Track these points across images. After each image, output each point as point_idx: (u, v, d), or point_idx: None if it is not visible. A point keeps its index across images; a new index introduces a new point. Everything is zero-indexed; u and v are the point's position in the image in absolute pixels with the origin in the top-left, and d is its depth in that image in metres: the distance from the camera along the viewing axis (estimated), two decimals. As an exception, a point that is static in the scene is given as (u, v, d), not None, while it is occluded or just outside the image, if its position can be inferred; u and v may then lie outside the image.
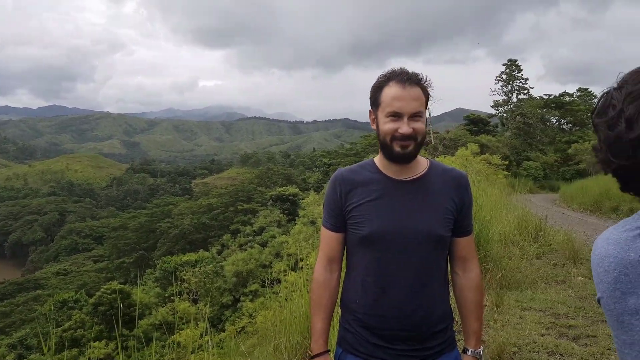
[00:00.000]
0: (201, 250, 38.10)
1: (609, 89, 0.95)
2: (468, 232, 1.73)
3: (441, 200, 1.64)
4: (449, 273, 1.78)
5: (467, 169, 13.22)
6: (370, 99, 1.65)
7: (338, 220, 1.70)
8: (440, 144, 35.17)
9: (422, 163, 1.70)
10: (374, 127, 1.66)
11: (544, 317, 4.56)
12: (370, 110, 1.67)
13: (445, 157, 18.19)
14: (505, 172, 17.96)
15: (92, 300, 26.09)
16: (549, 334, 4.10)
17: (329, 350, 1.72)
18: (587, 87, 51.63)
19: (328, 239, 1.73)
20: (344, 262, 1.82)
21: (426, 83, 1.61)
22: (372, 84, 1.66)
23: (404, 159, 1.60)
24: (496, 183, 12.78)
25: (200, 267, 28.24)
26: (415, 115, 1.56)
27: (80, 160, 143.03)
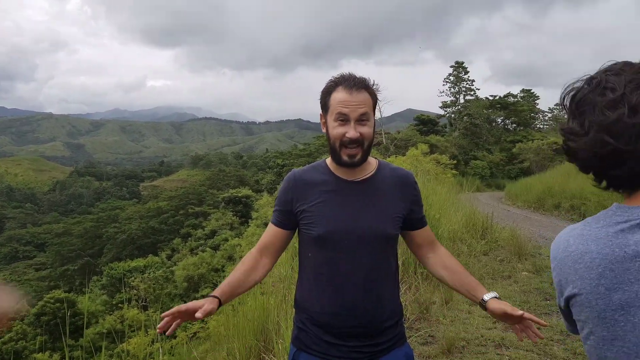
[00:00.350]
0: (150, 255, 37.03)
1: (592, 75, 0.96)
2: (424, 223, 1.82)
3: (390, 200, 1.70)
4: (427, 261, 1.83)
5: (417, 168, 13.52)
6: (320, 103, 1.69)
7: (285, 218, 1.75)
8: (391, 144, 35.82)
9: (372, 163, 1.74)
10: (324, 130, 1.69)
11: (491, 312, 4.72)
12: (320, 114, 1.71)
13: (396, 157, 18.54)
14: (454, 172, 18.51)
15: (34, 310, 24.81)
16: (495, 328, 4.25)
17: (220, 304, 1.61)
18: (529, 88, 54.06)
19: (269, 230, 1.79)
20: (297, 264, 1.84)
21: (374, 87, 1.65)
22: (323, 87, 1.69)
23: (352, 166, 1.65)
24: (445, 182, 13.14)
25: (150, 273, 27.44)
26: (362, 119, 1.60)
27: (20, 163, 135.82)
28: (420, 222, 1.79)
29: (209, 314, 1.53)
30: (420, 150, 17.88)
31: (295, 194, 1.71)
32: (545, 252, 8.47)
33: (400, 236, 1.81)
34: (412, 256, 5.42)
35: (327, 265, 1.65)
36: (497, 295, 1.63)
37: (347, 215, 1.64)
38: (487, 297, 1.63)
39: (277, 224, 1.76)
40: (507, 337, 4.02)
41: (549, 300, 5.26)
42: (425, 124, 46.22)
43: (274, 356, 3.33)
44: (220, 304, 1.59)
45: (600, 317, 0.86)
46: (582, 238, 0.90)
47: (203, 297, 1.64)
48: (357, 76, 1.63)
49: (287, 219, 1.74)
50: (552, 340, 3.99)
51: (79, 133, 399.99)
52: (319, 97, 1.69)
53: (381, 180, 1.71)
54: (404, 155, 18.98)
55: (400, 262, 5.06)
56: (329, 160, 1.75)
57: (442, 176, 15.31)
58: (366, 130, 1.60)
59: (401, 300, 4.45)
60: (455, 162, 21.19)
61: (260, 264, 1.75)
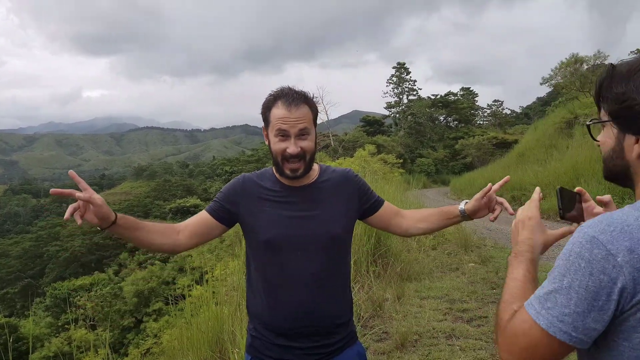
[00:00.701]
0: (96, 272, 35.49)
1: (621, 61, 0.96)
2: (382, 202, 1.88)
3: (336, 201, 1.75)
4: (403, 230, 1.90)
5: (365, 169, 13.74)
6: (262, 116, 1.72)
7: (222, 211, 1.74)
8: (339, 146, 36.21)
9: (314, 169, 1.78)
10: (267, 143, 1.72)
11: (441, 304, 4.88)
12: (263, 127, 1.74)
13: (345, 158, 18.76)
14: (401, 170, 18.96)
15: (-31, 339, 23.15)
16: (446, 319, 4.40)
17: (116, 217, 1.52)
18: (468, 86, 56.21)
19: (199, 215, 1.76)
20: (246, 273, 1.85)
21: (314, 99, 1.70)
22: (263, 101, 1.71)
23: (295, 179, 1.69)
24: (393, 181, 13.41)
25: (97, 291, 26.30)
26: (302, 134, 1.64)
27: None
28: (376, 205, 1.85)
29: (89, 200, 1.42)
30: (367, 151, 18.19)
31: (242, 197, 1.73)
32: (489, 244, 8.85)
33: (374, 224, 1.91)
34: (364, 255, 5.53)
35: (276, 269, 1.68)
36: (467, 200, 1.77)
37: (295, 219, 1.68)
38: (461, 207, 1.77)
39: (211, 212, 1.74)
40: (457, 328, 4.18)
41: (495, 289, 5.50)
42: (371, 124, 47.08)
43: (230, 366, 3.31)
44: (114, 221, 1.51)
45: None
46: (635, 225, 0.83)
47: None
48: (297, 90, 1.66)
49: (223, 213, 1.74)
50: (499, 327, 4.18)
51: (12, 149, 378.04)
52: (261, 110, 1.71)
53: (324, 184, 1.77)
54: (351, 156, 19.24)
55: (352, 262, 5.16)
56: (274, 168, 1.79)
57: (389, 175, 15.63)
58: (307, 144, 1.64)
59: (355, 299, 4.52)
60: (401, 160, 21.71)
61: (174, 232, 1.69)
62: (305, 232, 1.67)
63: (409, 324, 4.22)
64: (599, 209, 1.18)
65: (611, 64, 0.99)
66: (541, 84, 21.62)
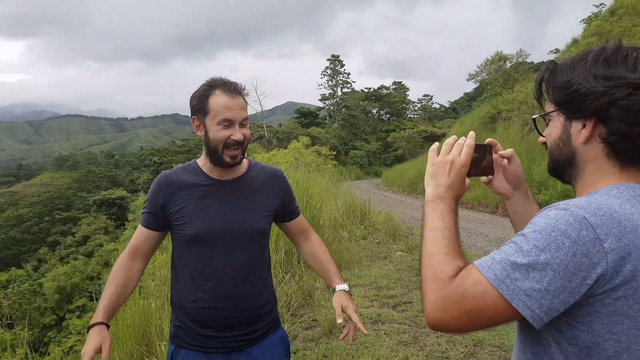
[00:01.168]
0: (13, 268, 33.16)
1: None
2: (297, 214, 1.95)
3: (261, 196, 1.80)
4: (300, 246, 1.98)
5: (299, 160, 13.81)
6: (194, 106, 1.69)
7: (155, 220, 1.75)
8: (274, 137, 36.06)
9: (243, 163, 1.80)
10: (199, 133, 1.71)
11: (369, 291, 5.06)
12: (194, 117, 1.71)
13: (279, 150, 18.72)
14: (334, 162, 19.22)
15: None
16: (373, 306, 4.57)
17: (109, 326, 1.66)
18: (400, 80, 57.87)
19: (139, 233, 1.79)
20: (170, 265, 1.86)
21: (244, 92, 1.71)
22: (195, 91, 1.69)
23: (234, 166, 1.71)
24: (326, 172, 13.60)
25: (14, 287, 24.62)
26: (244, 123, 1.68)
27: None
28: (293, 214, 1.92)
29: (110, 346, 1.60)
30: (301, 143, 18.28)
31: (166, 196, 1.72)
32: (416, 232, 9.22)
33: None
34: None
35: (202, 262, 1.70)
36: (346, 289, 1.84)
37: (221, 213, 1.70)
38: (337, 287, 1.84)
39: (147, 225, 1.76)
40: (382, 313, 4.35)
41: (419, 276, 5.75)
42: (306, 116, 47.28)
43: (156, 359, 3.25)
44: (108, 327, 1.65)
45: None
46: (628, 214, 0.84)
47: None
48: (231, 81, 1.69)
49: (157, 221, 1.75)
50: (422, 312, 4.40)
51: None
52: (191, 101, 1.70)
53: (252, 179, 1.80)
54: (286, 147, 19.24)
55: (283, 252, 5.20)
56: (200, 161, 1.79)
57: (323, 167, 15.83)
58: (247, 132, 1.69)
59: (285, 288, 4.57)
60: (335, 152, 22.00)
61: (133, 270, 1.76)
62: (232, 226, 1.70)
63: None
64: (506, 161, 1.18)
65: (552, 60, 1.02)
66: (468, 80, 22.61)
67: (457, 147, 1.04)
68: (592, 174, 0.94)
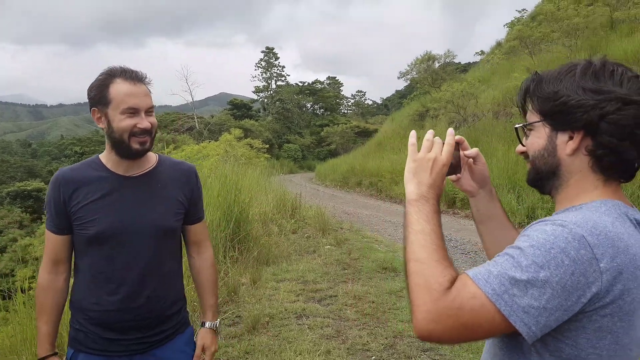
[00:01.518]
0: None
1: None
2: (199, 219, 1.85)
3: (171, 193, 1.71)
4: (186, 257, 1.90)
5: (229, 153, 13.58)
6: (92, 97, 1.59)
7: (62, 222, 1.63)
8: (205, 129, 35.21)
9: (151, 158, 1.72)
10: (101, 125, 1.60)
11: (296, 286, 5.07)
12: (94, 109, 1.60)
13: (210, 142, 18.31)
14: (267, 155, 19.08)
15: None
16: (298, 300, 4.59)
17: (57, 353, 1.67)
18: (335, 76, 58.45)
19: (53, 242, 1.66)
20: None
21: (146, 80, 1.63)
22: (93, 82, 1.60)
23: (141, 154, 1.62)
24: (258, 166, 13.48)
25: None
26: (150, 110, 1.60)
27: None
28: (196, 218, 1.82)
29: None
30: (233, 135, 17.97)
31: (65, 195, 1.60)
32: (346, 227, 9.39)
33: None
34: (222, 241, 5.48)
35: (105, 262, 1.61)
36: (216, 327, 1.83)
37: (125, 211, 1.61)
38: (206, 324, 1.83)
39: (57, 231, 1.65)
40: (307, 307, 4.38)
41: (346, 269, 5.86)
42: (239, 108, 46.56)
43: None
44: (57, 353, 1.67)
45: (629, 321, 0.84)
46: (630, 235, 0.85)
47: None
48: (132, 69, 1.60)
49: (63, 223, 1.63)
50: (346, 305, 4.48)
51: None
52: (90, 92, 1.60)
53: (161, 174, 1.71)
54: (217, 140, 18.85)
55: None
56: (103, 156, 1.68)
57: (255, 160, 15.66)
58: (154, 120, 1.61)
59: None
60: (267, 146, 21.84)
61: (59, 285, 1.68)
62: (137, 224, 1.61)
63: (262, 306, 4.32)
64: (471, 160, 1.18)
65: (535, 71, 1.03)
66: (399, 77, 23.18)
67: (438, 145, 1.03)
68: (576, 187, 0.94)
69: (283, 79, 49.53)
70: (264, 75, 48.85)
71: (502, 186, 10.40)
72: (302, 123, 48.08)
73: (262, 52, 49.45)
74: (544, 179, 0.99)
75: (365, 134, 38.33)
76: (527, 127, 1.00)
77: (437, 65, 21.90)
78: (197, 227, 1.84)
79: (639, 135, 0.87)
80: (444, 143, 1.04)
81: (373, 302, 4.58)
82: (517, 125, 1.04)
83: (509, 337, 0.89)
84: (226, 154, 13.09)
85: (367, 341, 3.66)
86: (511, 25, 22.28)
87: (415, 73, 22.14)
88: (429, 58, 21.59)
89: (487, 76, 18.69)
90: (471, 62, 37.45)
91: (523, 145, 1.03)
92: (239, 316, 4.18)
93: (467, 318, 0.80)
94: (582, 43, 13.79)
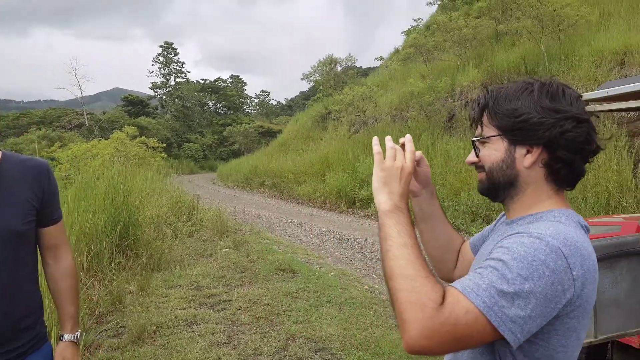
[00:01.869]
0: None
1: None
2: (56, 221, 1.66)
3: (19, 193, 1.52)
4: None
5: (122, 152, 12.78)
6: None
7: None
8: (95, 126, 32.88)
9: None
10: None
11: (189, 291, 4.87)
12: None
13: (100, 140, 17.10)
14: (163, 155, 18.24)
15: None
16: (190, 307, 4.40)
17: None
18: (238, 74, 57.73)
19: None
20: None
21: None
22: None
23: None
24: (153, 166, 12.81)
25: None
26: None
27: None
28: (50, 219, 1.64)
29: None
30: (126, 133, 16.94)
31: None
32: (246, 229, 9.23)
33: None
34: (108, 246, 5.11)
35: None
36: (76, 339, 1.66)
37: None
38: (65, 337, 1.65)
39: None
40: (199, 313, 4.22)
41: (243, 272, 5.75)
42: (134, 104, 44.09)
43: None
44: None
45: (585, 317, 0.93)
46: (588, 243, 0.94)
47: None
48: None
49: None
50: (240, 309, 4.38)
51: None
52: None
53: (8, 172, 1.52)
54: (108, 138, 17.68)
55: (92, 254, 4.70)
56: None
57: (150, 160, 14.90)
58: None
59: (89, 293, 4.13)
60: (164, 145, 20.90)
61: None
62: None
63: (150, 315, 4.08)
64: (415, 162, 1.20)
65: (487, 87, 1.07)
66: (302, 79, 23.43)
67: (400, 153, 1.05)
68: (531, 196, 1.02)
69: (183, 75, 47.81)
70: (162, 71, 46.82)
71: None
72: (203, 122, 46.79)
73: (161, 46, 47.34)
74: (500, 189, 1.05)
75: (269, 134, 38.25)
76: (483, 140, 1.05)
77: (339, 68, 22.46)
78: (53, 230, 1.64)
79: (587, 150, 0.98)
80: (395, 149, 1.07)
81: (268, 304, 4.53)
82: (474, 138, 1.07)
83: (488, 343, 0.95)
84: (117, 153, 12.29)
85: (260, 345, 3.61)
86: (408, 33, 23.45)
87: (318, 75, 22.51)
88: (331, 61, 22.07)
89: (386, 81, 19.52)
90: (371, 67, 38.97)
91: (477, 157, 1.07)
92: (123, 326, 3.90)
93: (462, 332, 0.83)
94: (470, 53, 14.91)
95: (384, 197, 1.00)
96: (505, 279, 0.84)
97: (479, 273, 0.87)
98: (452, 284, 0.88)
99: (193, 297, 4.69)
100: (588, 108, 1.07)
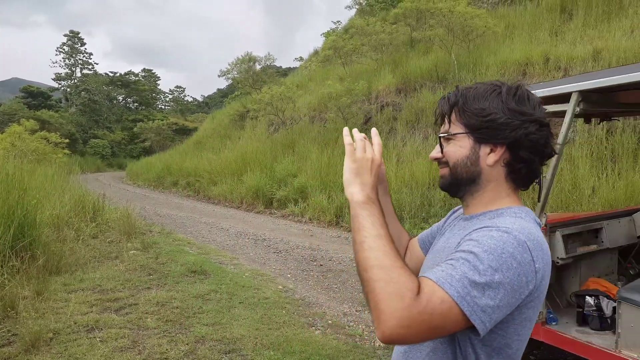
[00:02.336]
0: None
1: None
2: None
3: None
4: None
5: (18, 147, 11.77)
6: None
7: None
8: (-12, 118, 29.96)
9: None
10: None
11: (91, 296, 4.60)
12: None
13: (-7, 133, 15.63)
14: (66, 151, 17.03)
15: None
16: (92, 312, 4.16)
17: None
18: (151, 68, 55.31)
19: None
20: None
21: None
22: None
23: None
24: (54, 163, 11.92)
25: None
26: None
27: None
28: None
29: None
30: (24, 127, 15.62)
31: None
32: (156, 230, 8.88)
33: None
34: (0, 248, 4.70)
35: None
36: None
37: None
38: None
39: None
40: (102, 318, 4.00)
41: (152, 275, 5.54)
42: (34, 96, 40.73)
43: None
44: None
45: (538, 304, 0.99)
46: (544, 238, 0.99)
47: None
48: None
49: None
50: (147, 313, 4.22)
51: None
52: None
53: None
54: (3, 132, 16.20)
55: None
56: None
57: (51, 156, 13.85)
58: None
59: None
60: (67, 140, 19.51)
61: None
62: None
63: (47, 321, 3.80)
64: None
65: (457, 86, 1.10)
66: (219, 76, 22.90)
67: (369, 146, 1.07)
68: (491, 193, 1.07)
69: (90, 67, 44.84)
70: (67, 61, 43.62)
71: (314, 187, 11.03)
72: (112, 117, 44.26)
73: (66, 35, 44.10)
74: (462, 184, 1.09)
75: (183, 132, 37.06)
76: (449, 137, 1.09)
77: (258, 67, 22.27)
78: None
79: (546, 152, 1.05)
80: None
81: (177, 307, 4.40)
82: (440, 134, 1.11)
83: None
84: (13, 148, 11.30)
85: (167, 349, 3.50)
86: (327, 35, 23.78)
87: (236, 73, 22.16)
88: (249, 59, 21.83)
89: (305, 82, 19.66)
90: (291, 67, 39.16)
91: (442, 153, 1.10)
92: (16, 334, 3.60)
93: (437, 321, 0.86)
94: (386, 58, 15.46)
95: (356, 189, 1.01)
96: (477, 270, 0.87)
97: (451, 264, 0.90)
98: (424, 274, 0.91)
99: (95, 301, 4.44)
100: None
